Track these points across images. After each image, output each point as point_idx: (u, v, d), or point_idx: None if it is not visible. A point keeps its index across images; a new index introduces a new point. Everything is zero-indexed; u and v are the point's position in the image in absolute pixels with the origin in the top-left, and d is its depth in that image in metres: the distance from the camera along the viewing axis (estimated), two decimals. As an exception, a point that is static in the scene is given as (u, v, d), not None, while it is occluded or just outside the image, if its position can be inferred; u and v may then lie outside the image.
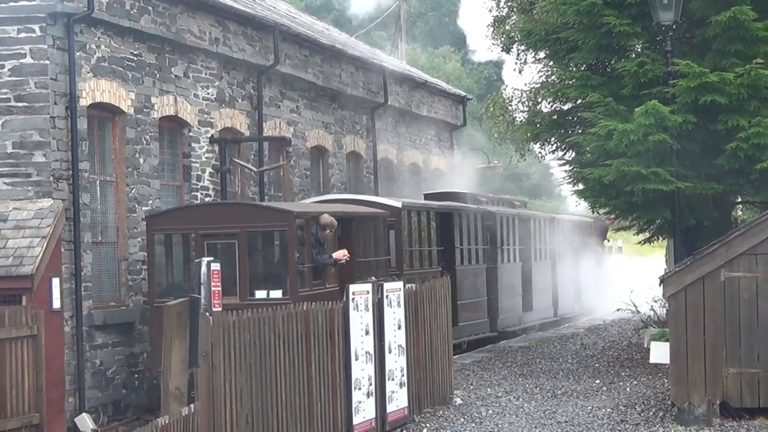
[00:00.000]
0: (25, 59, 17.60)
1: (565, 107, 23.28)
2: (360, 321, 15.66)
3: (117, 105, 19.13)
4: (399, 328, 16.87)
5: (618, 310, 29.06)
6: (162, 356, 15.32)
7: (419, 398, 17.65)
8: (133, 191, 19.51)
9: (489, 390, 19.78)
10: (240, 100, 23.11)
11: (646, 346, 22.97)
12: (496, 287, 28.45)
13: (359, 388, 15.51)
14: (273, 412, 13.60)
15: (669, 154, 20.25)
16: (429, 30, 75.50)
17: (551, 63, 24.17)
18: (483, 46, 36.76)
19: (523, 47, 25.79)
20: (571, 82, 21.90)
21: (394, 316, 16.72)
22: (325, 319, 14.97)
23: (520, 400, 18.67)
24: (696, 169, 20.51)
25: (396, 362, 16.69)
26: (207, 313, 13.45)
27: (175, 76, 20.83)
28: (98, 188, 18.96)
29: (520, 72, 28.95)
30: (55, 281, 16.81)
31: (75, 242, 17.81)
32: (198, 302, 15.64)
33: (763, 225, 16.08)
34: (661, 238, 25.65)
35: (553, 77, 24.51)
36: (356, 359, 15.49)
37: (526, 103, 28.46)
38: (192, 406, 12.65)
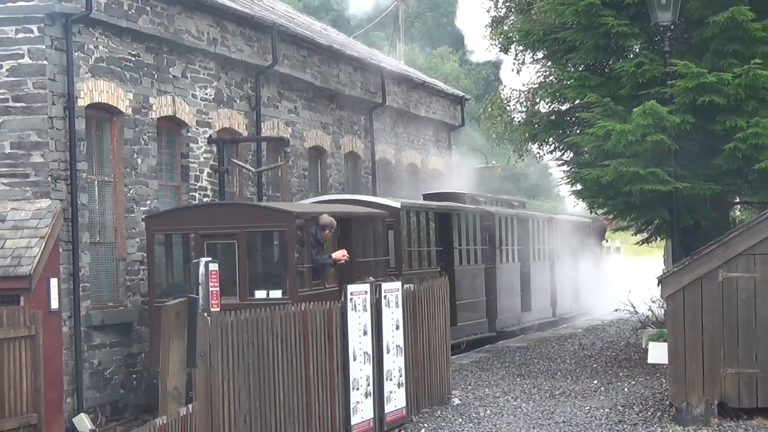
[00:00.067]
0: (23, 59, 17.61)
1: (563, 107, 23.28)
2: (358, 321, 15.67)
3: (115, 105, 19.13)
4: (397, 328, 16.87)
5: (616, 310, 29.06)
6: (160, 356, 15.33)
7: (417, 398, 17.64)
8: (131, 191, 19.51)
9: (487, 390, 19.78)
10: (238, 101, 23.11)
11: (644, 346, 22.98)
12: (494, 287, 28.47)
13: (357, 389, 15.52)
14: (271, 413, 13.60)
15: (667, 154, 20.25)
16: (427, 30, 75.53)
17: (549, 63, 24.16)
18: (481, 47, 36.84)
19: (521, 47, 25.82)
20: (569, 83, 21.90)
21: (392, 316, 16.72)
22: (323, 319, 14.97)
23: (518, 400, 18.67)
24: (694, 169, 20.52)
25: (394, 362, 16.69)
26: (205, 314, 13.47)
27: (173, 76, 20.83)
28: (96, 188, 18.97)
29: (518, 72, 29.00)
30: (53, 281, 16.82)
31: (73, 242, 17.81)
32: (196, 302, 15.65)
33: (761, 225, 16.08)
34: (659, 239, 25.65)
35: (551, 77, 24.50)
36: (354, 359, 15.49)
37: (524, 103, 28.48)
38: (190, 406, 12.67)
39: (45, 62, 17.58)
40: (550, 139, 23.74)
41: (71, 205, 17.82)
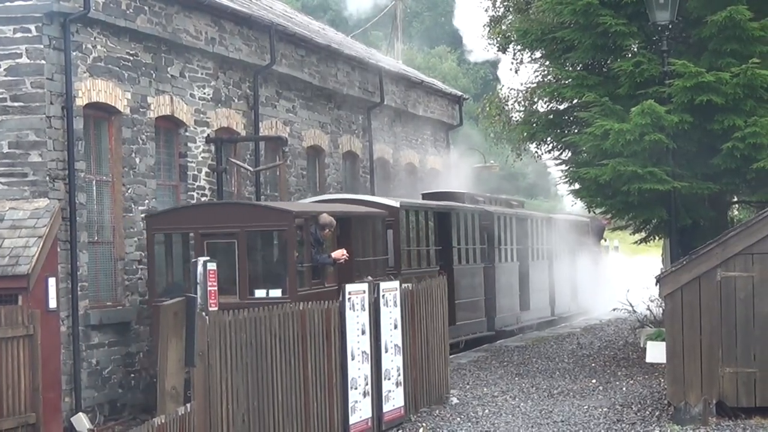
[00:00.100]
0: (21, 59, 17.59)
1: (562, 107, 23.28)
2: (356, 321, 15.66)
3: (113, 105, 19.12)
4: (395, 327, 16.87)
5: (614, 309, 29.09)
6: (158, 356, 15.33)
7: (415, 398, 17.64)
8: (129, 191, 19.50)
9: (485, 389, 19.79)
10: (236, 100, 23.11)
11: (642, 345, 23.00)
12: (493, 287, 28.48)
13: (355, 388, 15.52)
14: (269, 412, 13.60)
15: (665, 153, 20.26)
16: (425, 30, 75.51)
17: (547, 63, 24.16)
18: (479, 46, 36.91)
19: (519, 47, 25.82)
20: (567, 82, 21.91)
21: (391, 315, 16.72)
22: (321, 318, 14.97)
23: (517, 399, 18.67)
24: (692, 168, 20.52)
25: (392, 362, 16.69)
26: (203, 313, 13.47)
27: (172, 75, 20.82)
28: (94, 188, 18.96)
29: (516, 72, 29.00)
30: (52, 281, 16.81)
31: (71, 242, 17.80)
32: (194, 302, 15.65)
33: (759, 225, 16.08)
34: (657, 238, 25.67)
35: (549, 77, 24.52)
36: (352, 359, 15.49)
37: (522, 102, 28.49)
38: (188, 405, 12.67)
39: (43, 62, 17.57)
40: (549, 139, 23.75)
41: (69, 204, 17.82)
